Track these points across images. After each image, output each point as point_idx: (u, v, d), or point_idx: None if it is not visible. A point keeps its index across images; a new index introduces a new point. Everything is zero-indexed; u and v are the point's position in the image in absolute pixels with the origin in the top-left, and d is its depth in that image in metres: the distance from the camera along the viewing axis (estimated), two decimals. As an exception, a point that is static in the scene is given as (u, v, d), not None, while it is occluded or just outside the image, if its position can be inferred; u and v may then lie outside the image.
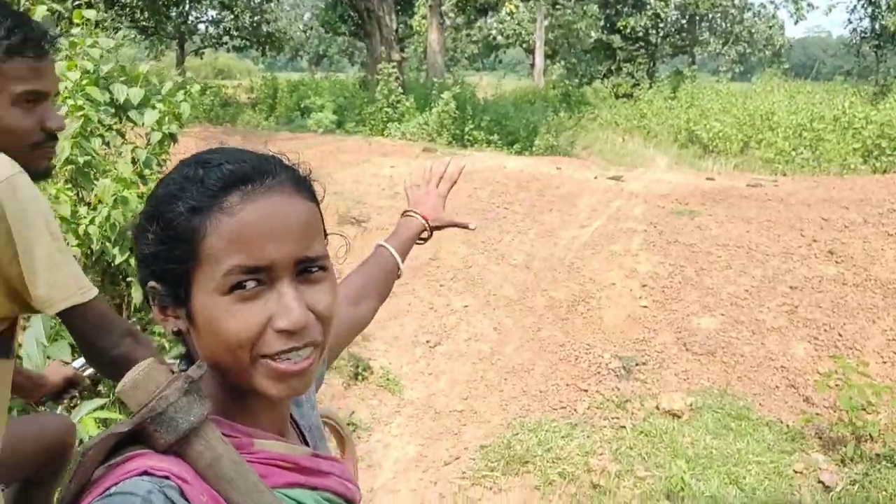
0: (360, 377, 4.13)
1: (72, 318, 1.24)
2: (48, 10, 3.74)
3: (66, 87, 3.47)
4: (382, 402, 4.02)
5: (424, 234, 1.41)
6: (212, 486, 0.66)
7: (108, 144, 3.70)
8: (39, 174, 1.28)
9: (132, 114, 4.10)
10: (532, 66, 24.52)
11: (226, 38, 26.34)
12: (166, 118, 4.17)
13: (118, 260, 3.36)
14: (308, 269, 0.73)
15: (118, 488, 0.61)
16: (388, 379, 4.17)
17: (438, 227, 1.42)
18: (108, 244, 3.32)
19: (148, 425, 0.65)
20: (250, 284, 0.70)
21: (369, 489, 3.40)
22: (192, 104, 4.46)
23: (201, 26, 26.90)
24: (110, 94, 4.01)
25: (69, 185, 3.39)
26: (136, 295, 3.22)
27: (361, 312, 1.27)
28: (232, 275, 0.69)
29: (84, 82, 3.59)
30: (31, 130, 1.25)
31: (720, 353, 4.51)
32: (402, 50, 17.14)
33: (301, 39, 33.28)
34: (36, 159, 1.27)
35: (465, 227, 1.49)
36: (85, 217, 3.23)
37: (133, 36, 24.47)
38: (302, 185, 0.77)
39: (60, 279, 1.19)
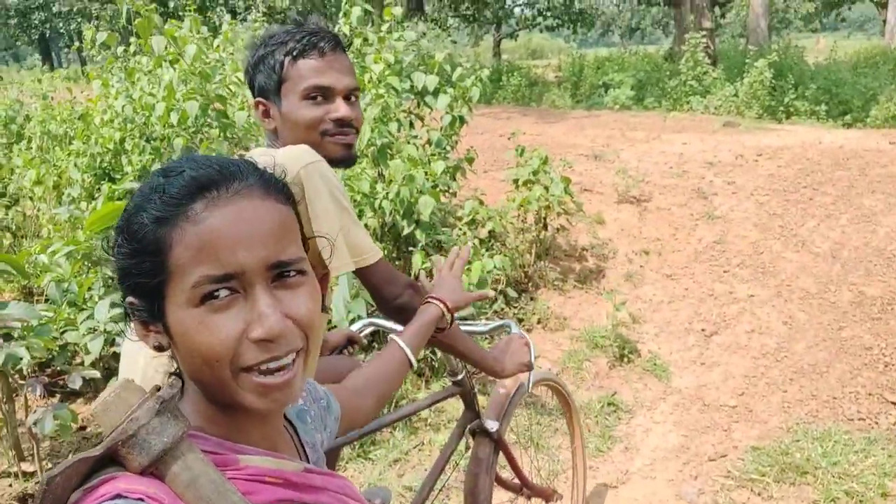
0: (625, 359, 4.07)
1: (363, 275, 1.46)
2: (362, 10, 4.30)
3: (370, 78, 3.98)
4: (647, 387, 3.92)
5: (443, 324, 1.45)
6: None
7: (404, 127, 4.13)
8: (336, 161, 1.48)
9: (428, 99, 4.53)
10: (884, 22, 20.89)
11: (539, 19, 27.17)
12: (458, 102, 4.53)
13: (406, 231, 3.77)
14: (284, 273, 0.71)
15: None
16: (655, 364, 4.04)
17: (458, 309, 1.48)
18: (398, 216, 3.75)
19: (120, 448, 0.63)
20: (222, 294, 0.68)
21: (624, 472, 3.36)
22: (483, 88, 4.75)
23: (517, 10, 28.18)
24: (410, 82, 4.48)
25: (370, 165, 3.89)
26: (416, 261, 3.59)
27: (364, 405, 1.20)
28: (201, 285, 0.67)
29: (386, 73, 4.07)
30: (317, 120, 1.46)
31: None
32: (721, 16, 15.91)
33: (613, 14, 32.84)
34: (327, 146, 1.47)
35: (485, 297, 1.58)
36: (380, 192, 3.69)
37: (457, 25, 26.66)
38: (273, 187, 0.74)
39: (338, 248, 1.37)
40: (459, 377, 2.05)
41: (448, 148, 4.61)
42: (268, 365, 0.69)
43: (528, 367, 1.82)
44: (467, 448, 2.20)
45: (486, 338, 3.60)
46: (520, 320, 4.34)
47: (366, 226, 3.64)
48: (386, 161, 3.77)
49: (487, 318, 3.80)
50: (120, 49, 5.08)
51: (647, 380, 3.97)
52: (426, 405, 2.43)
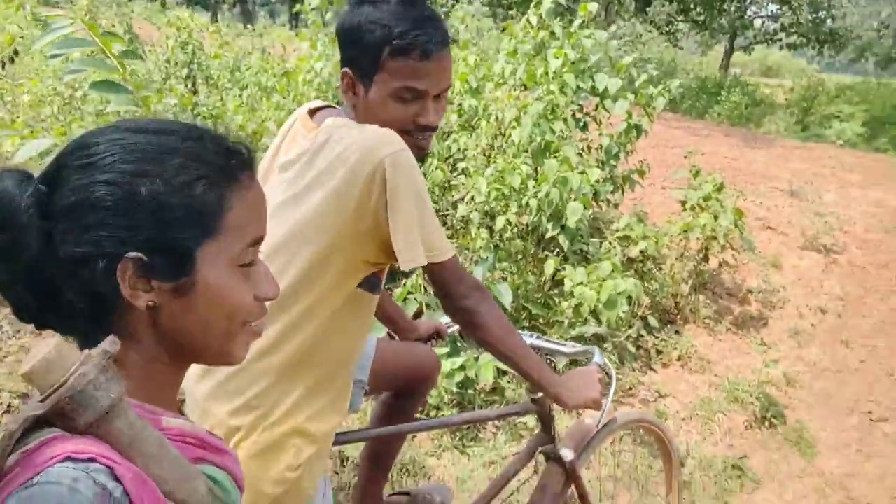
0: (766, 422, 3.62)
1: (432, 272, 1.41)
2: (553, 2, 4.17)
3: (543, 72, 3.85)
4: (785, 460, 3.46)
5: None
6: (134, 463, 0.64)
7: (570, 127, 3.94)
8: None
9: (607, 103, 4.31)
10: None
11: (780, 35, 24.88)
12: (642, 109, 4.27)
13: (549, 234, 3.63)
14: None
15: (41, 478, 0.58)
16: (801, 437, 3.55)
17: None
18: (543, 217, 3.61)
19: (66, 405, 0.62)
20: (255, 255, 0.76)
21: (729, 546, 3.01)
22: (670, 98, 4.43)
23: (757, 22, 25.97)
24: (593, 82, 4.29)
25: (528, 159, 3.77)
26: (549, 266, 3.44)
27: None
28: (252, 246, 0.75)
29: (564, 69, 3.92)
30: (402, 122, 1.39)
31: None
32: None
33: (870, 39, 29.16)
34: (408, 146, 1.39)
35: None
36: (530, 190, 3.57)
37: (686, 30, 25.19)
38: None
39: (413, 242, 1.32)
40: (538, 395, 1.91)
41: (618, 156, 4.37)
42: (261, 320, 0.79)
43: (596, 405, 1.64)
44: (536, 471, 2.06)
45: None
46: (658, 352, 4.03)
47: (508, 222, 3.55)
48: (542, 160, 3.64)
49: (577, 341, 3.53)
50: (329, 15, 5.36)
51: (787, 452, 3.50)
52: (495, 416, 2.31)
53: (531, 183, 3.60)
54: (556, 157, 3.56)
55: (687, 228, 3.93)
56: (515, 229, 3.62)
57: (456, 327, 2.15)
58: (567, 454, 1.96)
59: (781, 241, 4.74)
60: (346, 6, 1.43)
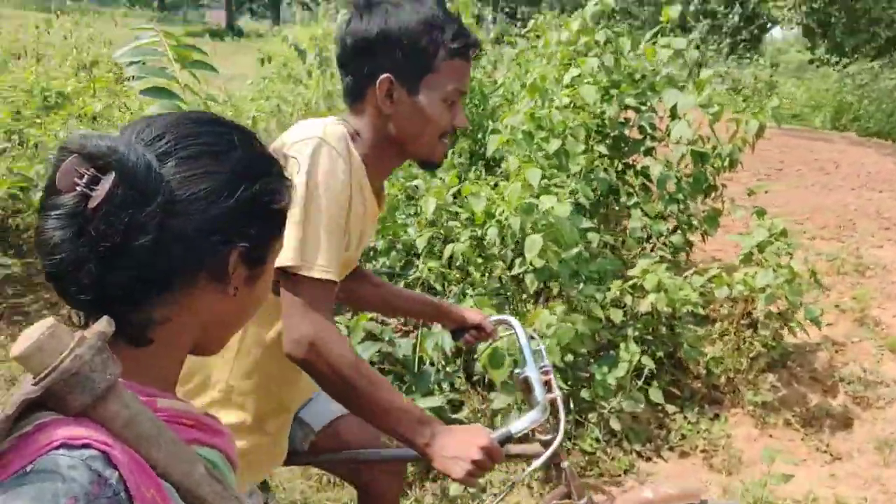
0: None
1: (285, 282, 1.25)
2: (599, 3, 3.56)
3: (538, 82, 3.31)
4: None
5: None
6: (130, 446, 0.63)
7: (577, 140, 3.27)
8: (434, 164, 1.47)
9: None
10: None
11: None
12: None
13: (515, 270, 3.09)
14: None
15: (35, 466, 0.57)
16: None
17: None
18: (508, 251, 3.09)
19: (61, 388, 0.60)
20: None
21: None
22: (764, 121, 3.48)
23: None
24: (651, 98, 3.59)
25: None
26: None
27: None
28: None
29: (584, 81, 3.33)
30: (446, 125, 1.40)
31: None
32: None
33: None
34: (437, 151, 1.43)
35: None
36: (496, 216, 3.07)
37: None
38: None
39: (291, 243, 1.22)
40: (546, 437, 1.50)
41: (682, 195, 3.51)
42: None
43: (466, 481, 1.24)
44: None
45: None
46: (682, 437, 3.13)
47: (453, 252, 3.09)
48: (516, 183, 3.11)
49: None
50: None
51: None
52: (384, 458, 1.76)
53: (499, 209, 3.09)
54: (518, 179, 3.01)
55: (717, 284, 3.00)
56: (477, 263, 3.13)
57: (500, 326, 1.83)
58: None
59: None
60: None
